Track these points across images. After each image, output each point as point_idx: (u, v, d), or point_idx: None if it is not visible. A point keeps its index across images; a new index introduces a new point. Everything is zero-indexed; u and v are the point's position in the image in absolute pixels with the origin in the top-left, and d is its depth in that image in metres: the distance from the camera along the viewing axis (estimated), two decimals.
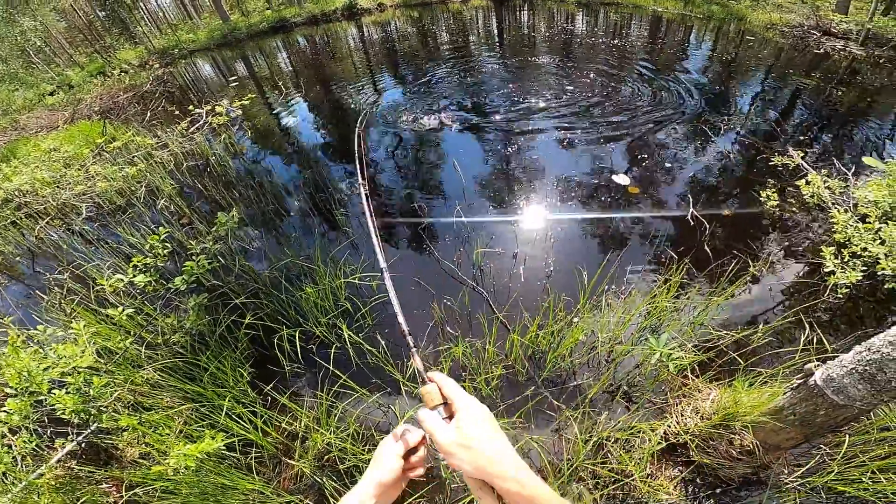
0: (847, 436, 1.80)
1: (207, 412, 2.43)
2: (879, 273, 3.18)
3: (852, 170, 4.45)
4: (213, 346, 2.94)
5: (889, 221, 3.50)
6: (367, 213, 1.62)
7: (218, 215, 3.89)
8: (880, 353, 1.44)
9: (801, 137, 5.58)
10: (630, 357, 2.85)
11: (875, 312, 3.10)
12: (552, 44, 11.88)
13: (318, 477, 2.32)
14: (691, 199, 4.40)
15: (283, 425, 2.56)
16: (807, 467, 1.83)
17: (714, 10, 13.05)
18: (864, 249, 3.35)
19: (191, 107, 7.89)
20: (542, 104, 7.32)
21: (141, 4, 23.12)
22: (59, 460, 2.37)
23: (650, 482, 2.12)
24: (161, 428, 2.37)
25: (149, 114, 9.11)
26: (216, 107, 7.86)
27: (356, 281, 3.50)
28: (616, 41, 11.30)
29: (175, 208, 5.03)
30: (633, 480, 2.09)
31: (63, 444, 2.40)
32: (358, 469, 2.32)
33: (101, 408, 2.39)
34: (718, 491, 2.09)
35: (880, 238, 3.40)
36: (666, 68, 8.85)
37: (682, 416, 2.26)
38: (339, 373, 2.61)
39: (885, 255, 3.22)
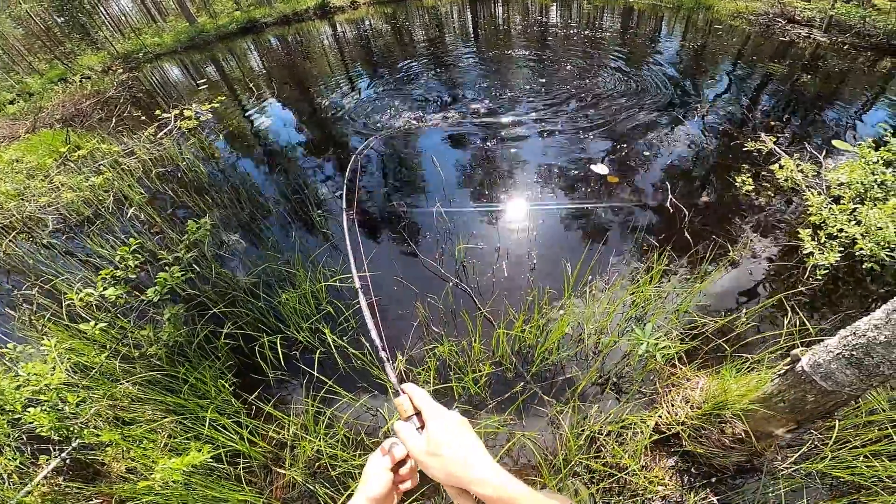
0: (837, 421, 1.81)
1: (191, 424, 2.36)
2: (857, 253, 3.24)
3: (823, 153, 4.55)
4: (192, 357, 2.85)
5: (865, 202, 3.57)
6: (348, 243, 1.57)
7: (188, 223, 3.77)
8: (866, 337, 1.41)
9: (773, 123, 5.67)
10: (617, 348, 2.85)
11: (855, 292, 3.16)
12: (527, 36, 11.89)
13: (310, 485, 2.27)
14: (669, 187, 4.43)
15: (271, 434, 2.49)
16: (799, 453, 1.84)
17: None
18: (841, 230, 3.41)
19: (158, 111, 7.65)
20: (518, 97, 7.31)
21: (101, 9, 22.43)
22: (44, 477, 2.31)
23: (645, 474, 2.12)
24: (145, 442, 2.31)
25: (114, 120, 8.79)
26: (185, 111, 7.64)
27: (337, 284, 3.43)
28: (589, 32, 11.37)
29: (146, 217, 4.87)
30: (628, 474, 2.08)
31: (47, 460, 2.35)
32: (350, 475, 2.27)
33: (81, 423, 2.32)
34: (714, 480, 2.09)
35: (856, 219, 3.47)
36: (639, 58, 8.93)
37: (673, 406, 2.26)
38: (324, 378, 2.56)
39: (862, 235, 3.28)
